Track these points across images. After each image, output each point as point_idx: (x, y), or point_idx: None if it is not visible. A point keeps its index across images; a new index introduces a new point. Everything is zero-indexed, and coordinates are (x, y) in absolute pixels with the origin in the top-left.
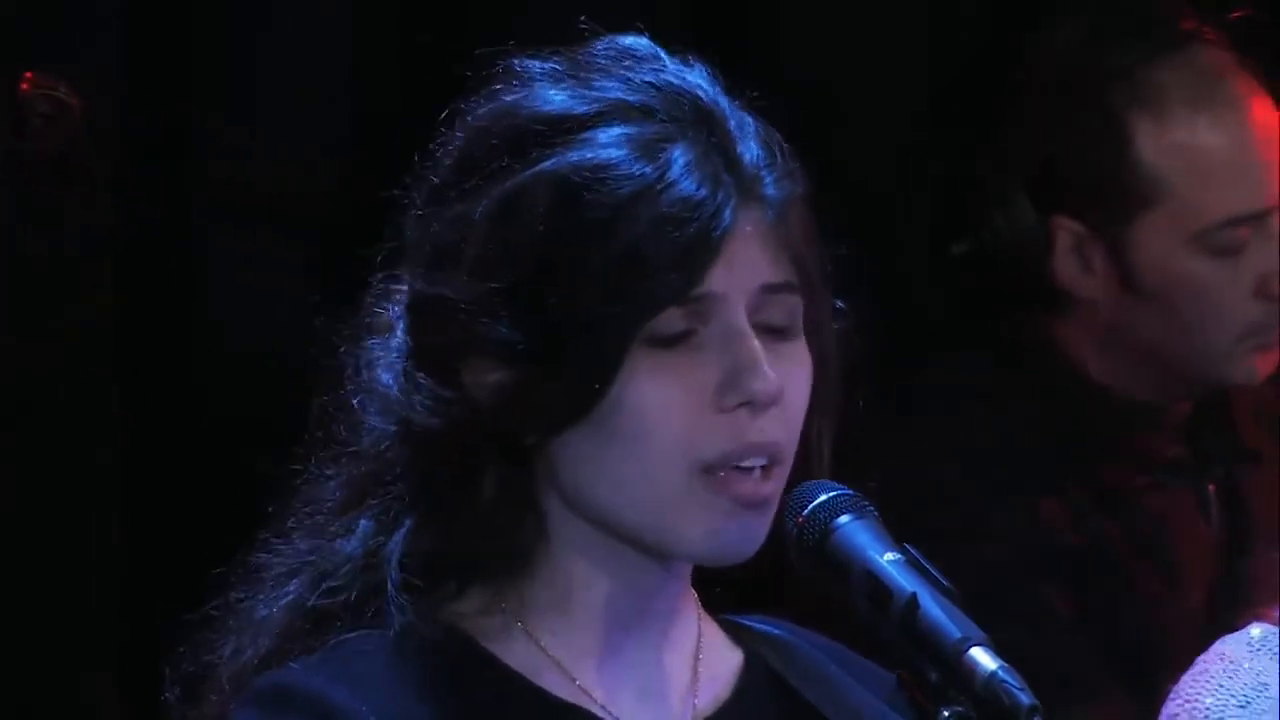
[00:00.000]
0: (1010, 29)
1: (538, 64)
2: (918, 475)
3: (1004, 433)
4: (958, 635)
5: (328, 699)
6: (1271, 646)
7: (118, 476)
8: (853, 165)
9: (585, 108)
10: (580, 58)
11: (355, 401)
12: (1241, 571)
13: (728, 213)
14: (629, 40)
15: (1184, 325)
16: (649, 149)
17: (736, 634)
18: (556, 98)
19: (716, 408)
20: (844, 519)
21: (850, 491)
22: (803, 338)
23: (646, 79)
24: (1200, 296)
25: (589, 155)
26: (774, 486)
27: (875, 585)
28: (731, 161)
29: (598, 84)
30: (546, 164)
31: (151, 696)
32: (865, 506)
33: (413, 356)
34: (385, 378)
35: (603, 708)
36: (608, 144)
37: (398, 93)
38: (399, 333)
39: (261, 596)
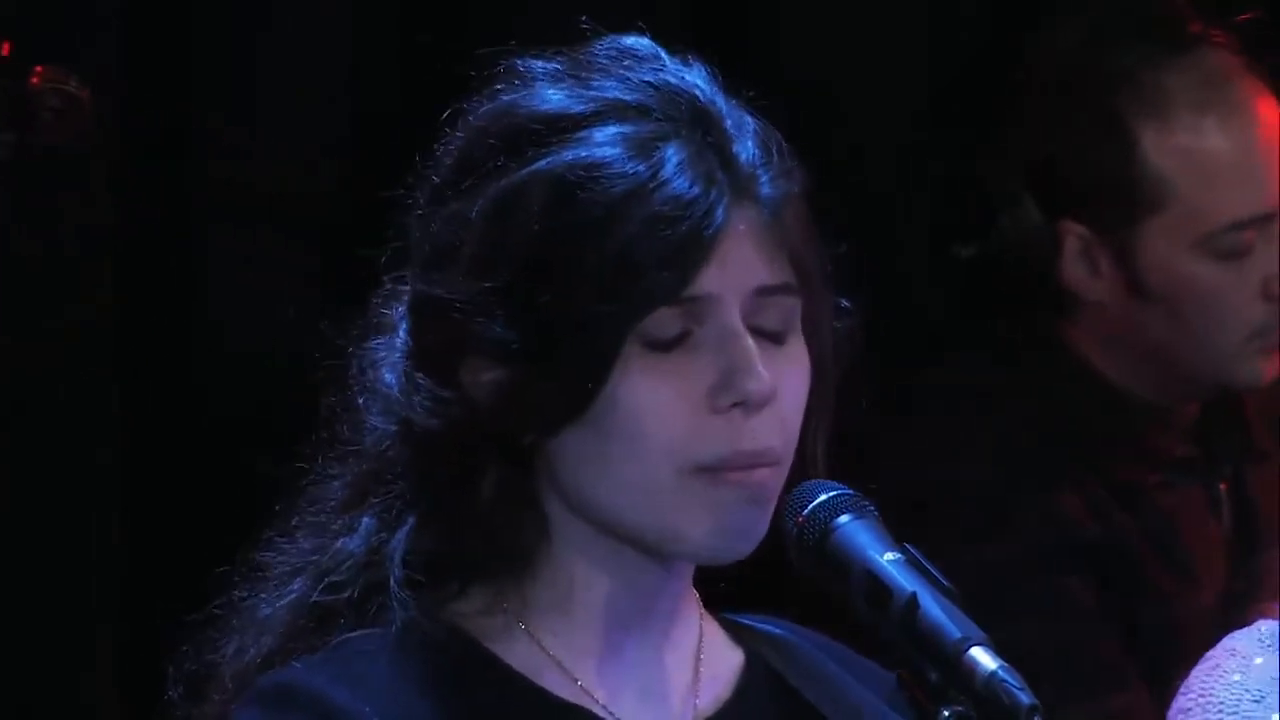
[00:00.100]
0: (1010, 29)
1: (539, 64)
2: (919, 475)
3: (1004, 433)
4: (958, 635)
5: (330, 698)
6: None
7: (118, 476)
8: (853, 165)
9: (582, 107)
10: (581, 57)
11: (359, 401)
12: (1252, 569)
13: (720, 211)
14: (630, 40)
15: (1190, 328)
16: (643, 148)
17: (737, 633)
18: (554, 97)
19: (711, 408)
20: (844, 519)
21: (850, 491)
22: (800, 338)
23: (644, 78)
24: (1206, 299)
25: (584, 154)
26: (773, 481)
27: (875, 585)
28: (726, 160)
29: (596, 84)
30: (542, 163)
31: (151, 696)
32: (865, 506)
33: (413, 356)
34: (388, 378)
35: (604, 708)
36: (603, 143)
37: (398, 93)
38: (401, 333)
39: (265, 595)
